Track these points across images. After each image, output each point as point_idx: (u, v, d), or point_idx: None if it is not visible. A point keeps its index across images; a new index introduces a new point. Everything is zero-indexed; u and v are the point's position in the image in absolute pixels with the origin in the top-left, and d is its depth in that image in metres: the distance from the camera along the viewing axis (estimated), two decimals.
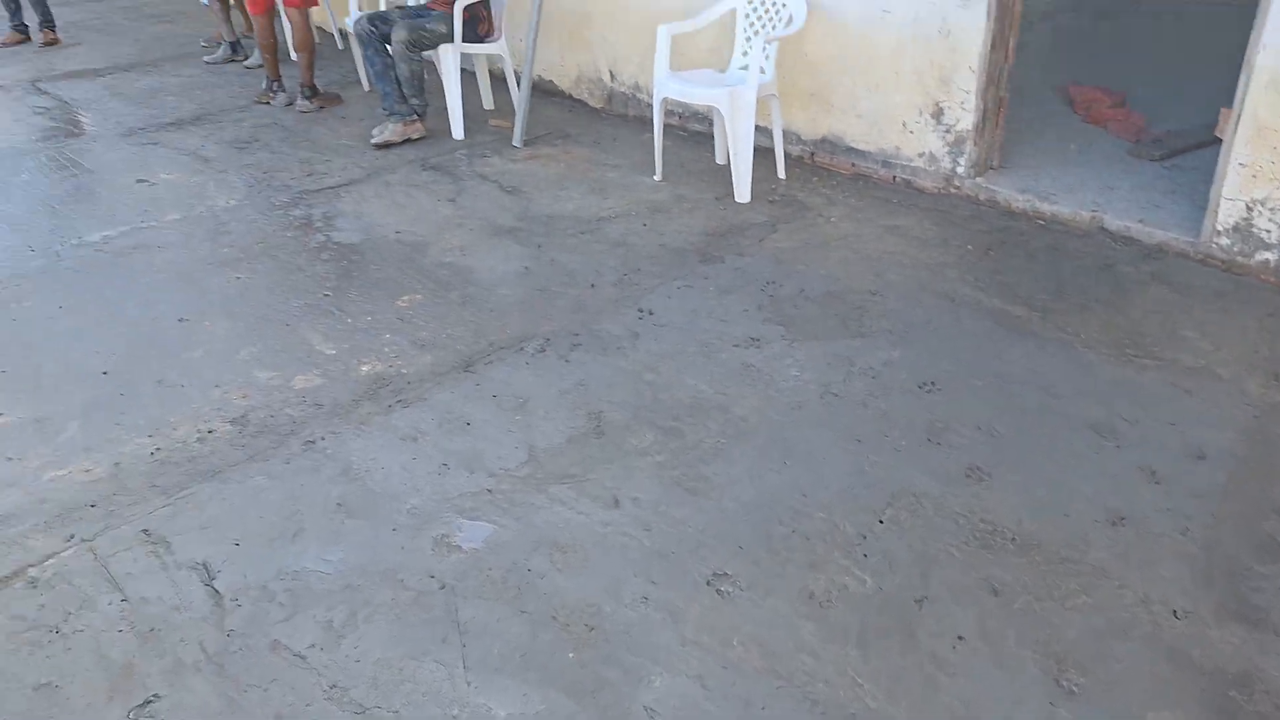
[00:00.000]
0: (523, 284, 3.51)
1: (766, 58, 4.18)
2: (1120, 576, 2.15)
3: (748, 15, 4.40)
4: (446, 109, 5.07)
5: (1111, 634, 2.00)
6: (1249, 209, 3.38)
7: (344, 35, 7.16)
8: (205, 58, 6.84)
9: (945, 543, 2.24)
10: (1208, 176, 3.54)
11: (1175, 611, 2.05)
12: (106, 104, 5.82)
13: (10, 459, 2.54)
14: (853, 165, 4.45)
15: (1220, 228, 3.46)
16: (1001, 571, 2.16)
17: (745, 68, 4.31)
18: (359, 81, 6.04)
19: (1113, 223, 3.74)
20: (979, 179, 4.09)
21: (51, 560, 2.18)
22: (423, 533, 2.28)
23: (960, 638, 1.99)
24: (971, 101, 3.92)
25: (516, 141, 4.97)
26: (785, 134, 4.48)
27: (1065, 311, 3.23)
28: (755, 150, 4.15)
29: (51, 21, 7.48)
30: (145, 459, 2.54)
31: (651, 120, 4.42)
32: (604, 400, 2.79)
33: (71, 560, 2.19)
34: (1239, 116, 3.32)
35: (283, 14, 5.67)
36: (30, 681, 1.89)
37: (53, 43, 7.41)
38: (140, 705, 1.84)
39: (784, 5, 4.25)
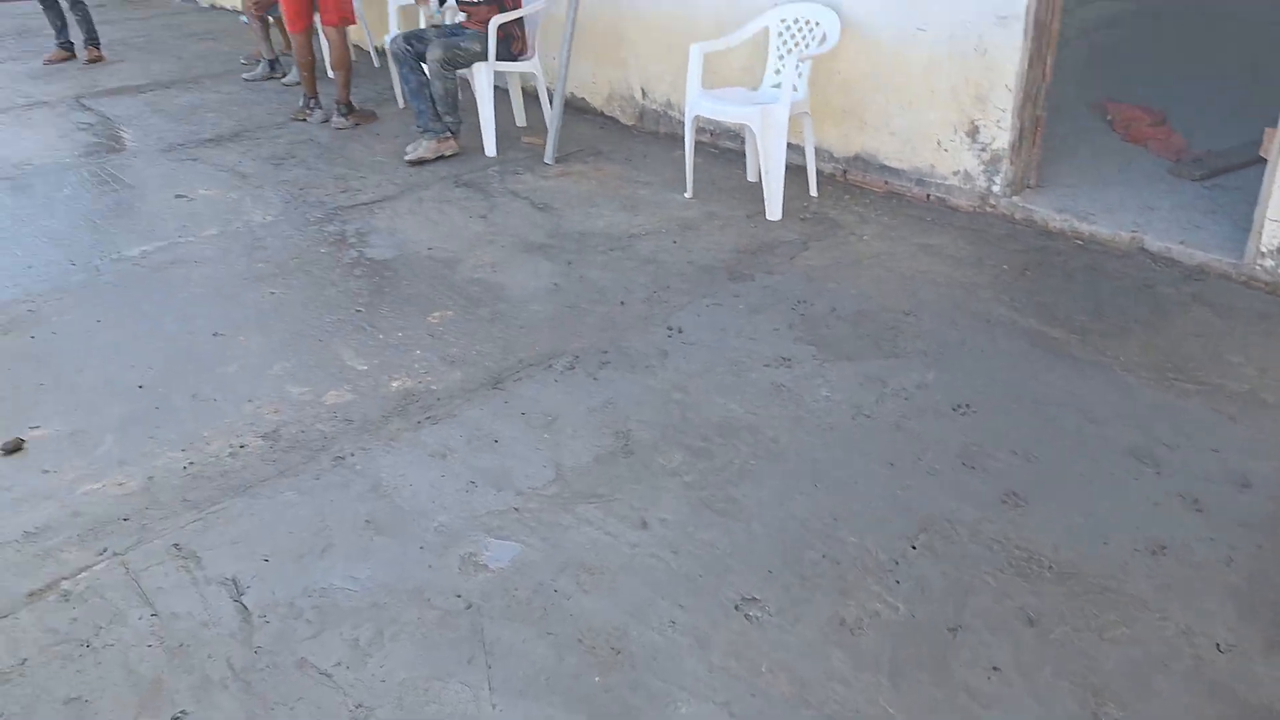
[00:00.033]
0: (552, 301, 3.51)
1: (799, 76, 4.16)
2: (1161, 607, 2.09)
3: (781, 34, 4.39)
4: (479, 126, 5.10)
5: (1152, 667, 1.94)
6: None
7: (380, 53, 7.25)
8: (244, 75, 6.95)
9: (980, 570, 2.20)
10: (1251, 197, 3.46)
11: (1219, 645, 1.99)
12: (148, 120, 5.93)
13: (47, 471, 2.58)
14: (886, 183, 4.42)
15: (1264, 249, 3.38)
16: (1038, 600, 2.11)
17: (778, 86, 4.30)
18: (394, 99, 6.10)
19: (1153, 243, 3.68)
20: (1015, 198, 4.04)
21: (84, 574, 2.20)
22: (450, 551, 2.27)
23: (995, 668, 1.94)
24: (1008, 120, 3.88)
25: (548, 158, 4.98)
26: (817, 151, 4.46)
27: (1104, 333, 3.17)
28: (787, 167, 4.14)
29: (96, 39, 7.64)
30: (178, 473, 2.56)
31: (683, 137, 4.42)
32: (632, 419, 2.78)
33: (104, 574, 2.20)
34: None
35: (321, 32, 5.75)
36: (60, 695, 1.90)
37: (97, 60, 7.57)
38: None
39: (818, 24, 4.24)
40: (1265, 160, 3.37)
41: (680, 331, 3.26)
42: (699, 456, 2.60)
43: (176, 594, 2.14)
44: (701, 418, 2.78)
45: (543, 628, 2.05)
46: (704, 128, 5.07)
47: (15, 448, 2.65)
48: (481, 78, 4.97)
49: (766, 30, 4.43)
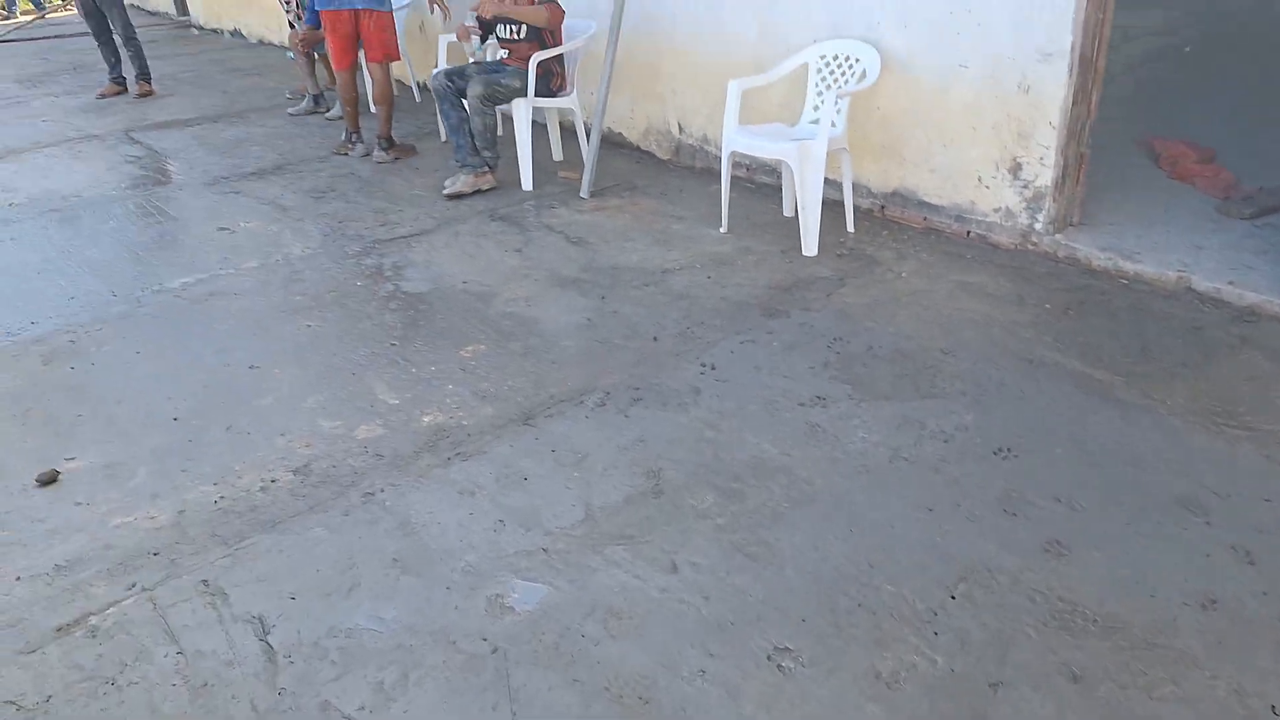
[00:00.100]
0: (585, 336, 3.49)
1: (838, 112, 4.14)
2: (1212, 665, 2.00)
3: (820, 71, 4.38)
4: (517, 160, 5.14)
5: None
6: None
7: (421, 88, 7.36)
8: (289, 109, 7.09)
9: (1022, 622, 2.12)
10: None
11: (1274, 707, 1.89)
12: (194, 153, 6.05)
13: (80, 504, 2.59)
14: (925, 219, 4.36)
15: None
16: (1082, 655, 2.03)
17: (816, 122, 4.28)
18: (434, 133, 6.18)
19: (1201, 283, 3.58)
20: (1058, 235, 3.97)
21: (112, 609, 2.20)
22: (477, 592, 2.24)
23: None
24: (1051, 157, 3.82)
25: (584, 193, 5.00)
26: (855, 187, 4.42)
27: (1150, 376, 3.08)
28: (824, 203, 4.11)
29: (148, 74, 7.84)
30: (209, 507, 2.57)
31: (718, 171, 4.41)
32: (663, 458, 2.74)
33: (132, 609, 2.20)
34: None
35: (365, 68, 5.85)
36: None
37: (147, 94, 7.77)
38: None
39: (857, 60, 4.23)
40: None
41: (713, 368, 3.23)
42: (731, 498, 2.55)
43: (203, 631, 2.13)
44: (734, 457, 2.73)
45: (569, 674, 2.00)
46: (740, 162, 5.06)
47: (50, 479, 2.68)
48: (520, 113, 5.02)
49: (805, 66, 4.43)
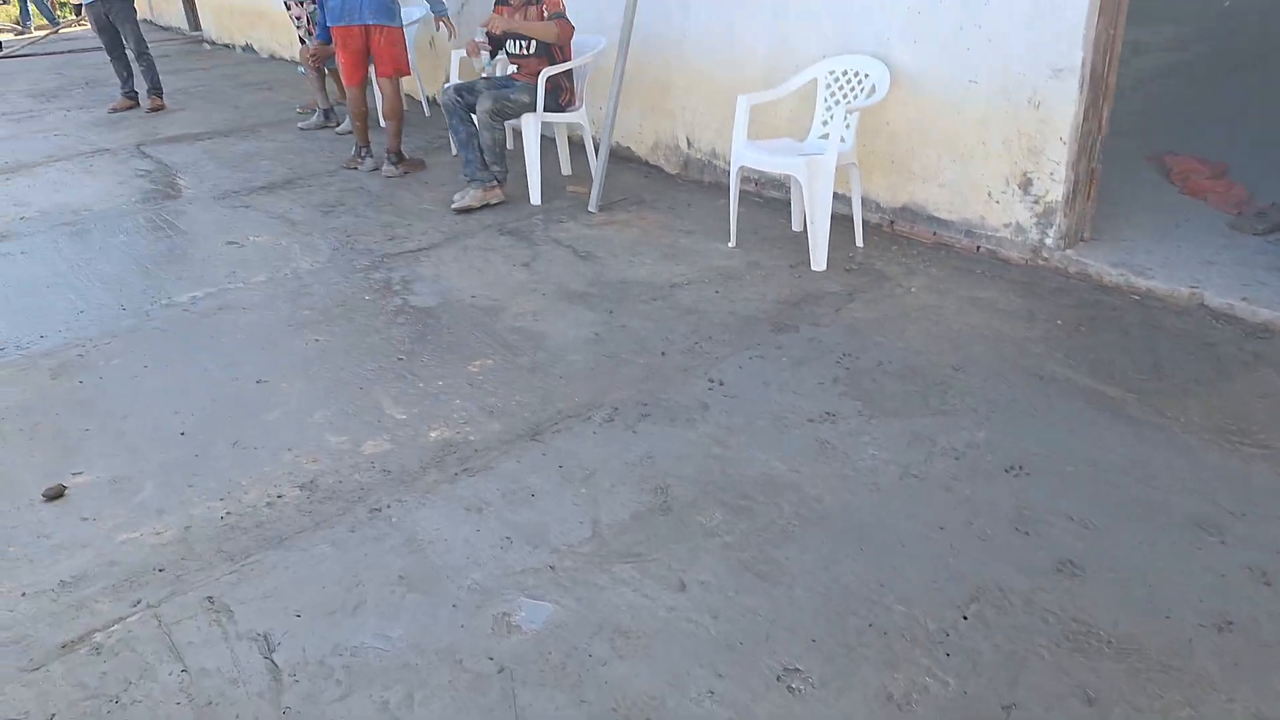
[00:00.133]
0: (593, 350, 3.48)
1: (847, 127, 4.14)
2: (1228, 688, 1.97)
3: (829, 86, 4.37)
4: (526, 175, 5.14)
5: None
6: None
7: (431, 103, 7.39)
8: (300, 124, 7.12)
9: (1035, 643, 2.09)
10: None
11: None
12: (204, 167, 6.07)
13: (86, 519, 2.58)
14: (934, 234, 4.35)
15: None
16: (1096, 678, 2.00)
17: (825, 137, 4.27)
18: (443, 148, 6.19)
19: (1213, 299, 3.56)
20: (1069, 251, 3.95)
21: (117, 626, 2.19)
22: (483, 610, 2.22)
23: None
24: (1062, 173, 3.80)
25: (592, 207, 5.00)
26: (864, 201, 4.41)
27: (1163, 393, 3.05)
28: (832, 217, 4.09)
29: (159, 88, 7.89)
30: (215, 523, 2.55)
31: (727, 186, 4.41)
32: (671, 474, 2.72)
33: (136, 626, 2.19)
34: None
35: (375, 83, 5.87)
36: None
37: (159, 108, 7.81)
38: None
39: (866, 76, 4.22)
40: None
41: (721, 384, 3.21)
42: (740, 515, 2.53)
43: (207, 649, 2.11)
44: (743, 474, 2.71)
45: (576, 695, 1.98)
46: (749, 177, 5.06)
47: (57, 494, 2.67)
48: (529, 128, 5.02)
49: (814, 82, 4.42)
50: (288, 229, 4.86)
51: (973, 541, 2.41)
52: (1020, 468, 2.70)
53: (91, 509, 2.62)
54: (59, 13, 16.29)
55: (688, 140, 5.46)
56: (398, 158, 5.74)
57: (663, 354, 3.44)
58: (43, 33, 13.89)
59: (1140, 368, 3.21)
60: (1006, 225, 4.07)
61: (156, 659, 2.09)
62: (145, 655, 2.10)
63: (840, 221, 4.30)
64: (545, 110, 5.00)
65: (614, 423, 2.99)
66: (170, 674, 2.05)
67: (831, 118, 4.28)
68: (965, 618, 2.17)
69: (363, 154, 5.89)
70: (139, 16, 7.84)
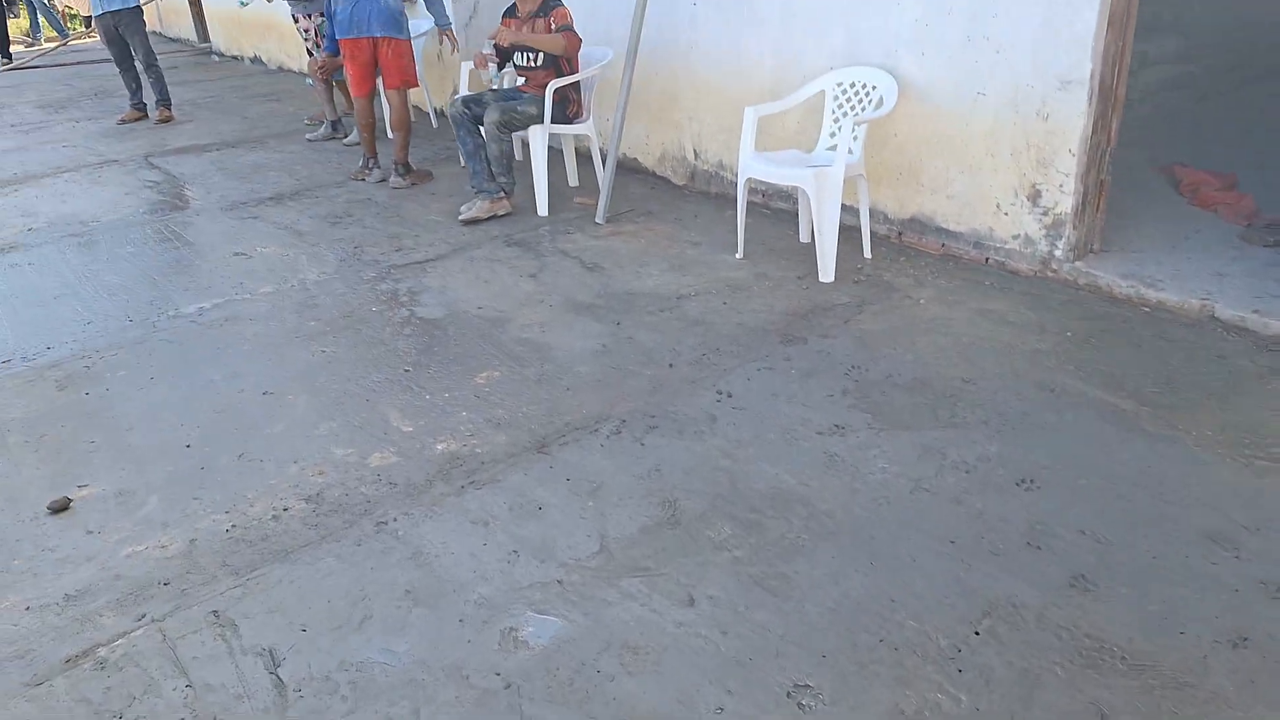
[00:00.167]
0: (600, 362, 3.47)
1: (855, 139, 4.12)
2: (1244, 706, 1.94)
3: (837, 98, 4.37)
4: (533, 186, 5.14)
5: None
6: None
7: (439, 114, 7.41)
8: (307, 135, 7.14)
9: (1048, 660, 2.07)
10: None
11: None
12: (212, 178, 6.09)
13: (91, 532, 2.57)
14: (942, 246, 4.33)
15: None
16: (1110, 695, 1.97)
17: (833, 148, 4.26)
18: (450, 159, 6.20)
19: (1224, 312, 3.53)
20: (1078, 263, 3.92)
21: (121, 640, 2.17)
22: (490, 625, 2.20)
23: None
24: (1071, 184, 3.79)
25: (599, 218, 4.99)
26: (872, 213, 4.40)
27: (1175, 406, 3.02)
28: (840, 229, 4.08)
29: (168, 99, 7.92)
30: (220, 536, 2.54)
31: (734, 197, 4.40)
32: (680, 487, 2.70)
33: (141, 641, 2.17)
34: None
35: (383, 95, 5.88)
36: None
37: (167, 120, 7.84)
38: None
39: (874, 88, 4.21)
40: None
41: (730, 396, 3.19)
42: (749, 529, 2.51)
43: (212, 664, 2.10)
44: (751, 488, 2.69)
45: (584, 712, 1.96)
46: (756, 188, 5.05)
47: (62, 507, 2.66)
48: (537, 140, 5.02)
49: (822, 93, 4.42)
50: (295, 240, 4.86)
51: (984, 556, 2.39)
52: (1032, 481, 2.68)
53: (97, 522, 2.61)
54: (69, 25, 16.40)
55: (695, 151, 5.45)
56: (405, 169, 5.74)
57: (670, 366, 3.42)
58: (52, 44, 13.98)
59: (1152, 380, 3.18)
60: (1015, 237, 4.05)
61: (161, 674, 2.07)
62: (150, 670, 2.09)
63: (848, 232, 4.29)
64: (553, 122, 5.00)
65: (621, 435, 2.98)
66: (175, 689, 2.03)
67: (839, 129, 4.27)
68: (977, 633, 2.14)
69: (370, 165, 5.90)
70: (148, 28, 7.89)
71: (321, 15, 6.52)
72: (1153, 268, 3.87)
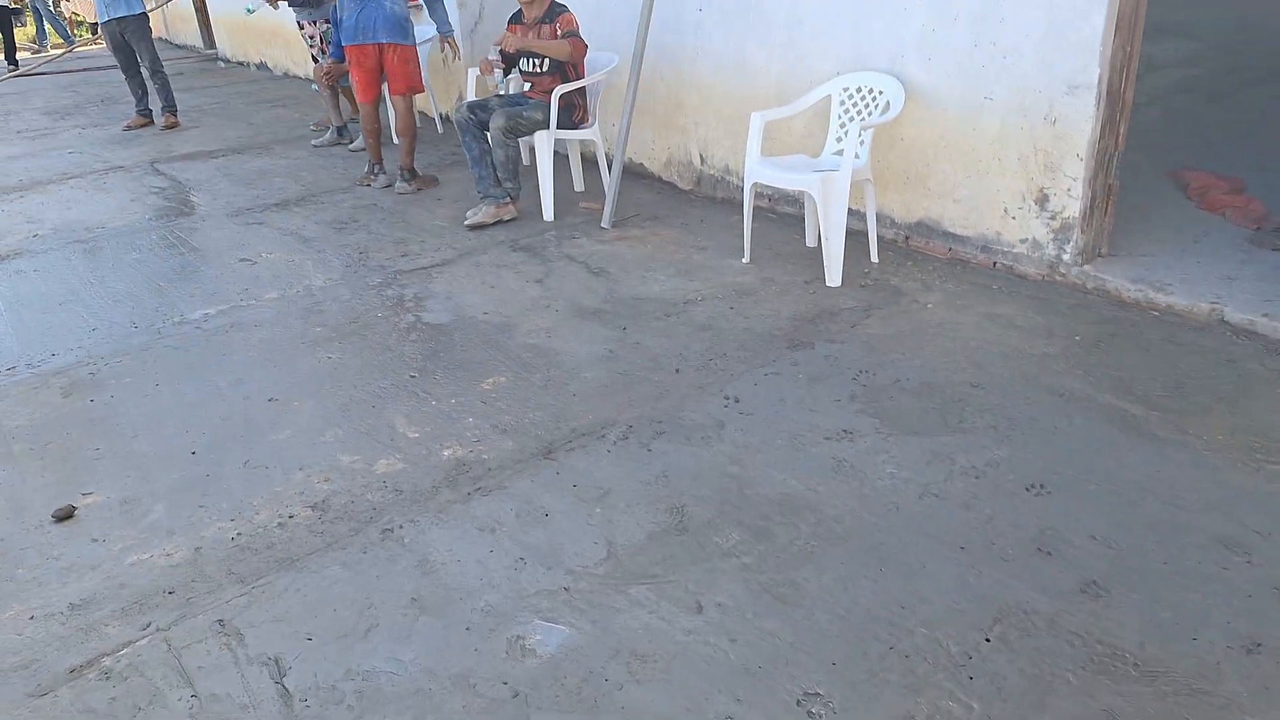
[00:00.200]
0: (606, 368, 3.45)
1: (861, 144, 4.11)
2: (1259, 712, 1.92)
3: (843, 103, 4.36)
4: (539, 191, 5.13)
5: None
6: None
7: (444, 120, 7.41)
8: (313, 141, 7.14)
9: (1060, 666, 2.05)
10: None
11: None
12: (217, 184, 6.09)
13: (95, 540, 2.56)
14: (949, 250, 4.31)
15: None
16: (1123, 702, 1.95)
17: (839, 153, 4.25)
18: (456, 164, 6.19)
19: (1234, 315, 3.51)
20: (1086, 267, 3.91)
21: (126, 650, 2.16)
22: (497, 634, 2.18)
23: None
24: (1079, 189, 3.77)
25: (605, 223, 4.98)
26: (879, 217, 4.38)
27: (1185, 411, 3.00)
28: (847, 233, 4.06)
29: (174, 106, 7.94)
30: (226, 544, 2.53)
31: (740, 202, 4.39)
32: (687, 494, 2.69)
33: (146, 650, 2.16)
34: None
35: (388, 100, 5.89)
36: None
37: (173, 126, 7.85)
38: None
39: (881, 93, 4.20)
40: None
41: (737, 401, 3.18)
42: (757, 536, 2.49)
43: (218, 674, 2.08)
44: (760, 494, 2.67)
45: None
46: (762, 192, 5.04)
47: (67, 515, 2.65)
48: (543, 145, 5.02)
49: (828, 98, 4.41)
50: (301, 246, 4.86)
51: (995, 562, 2.37)
52: (1041, 486, 2.66)
53: (101, 530, 2.60)
54: (75, 32, 16.46)
55: (701, 156, 5.44)
56: (411, 174, 5.74)
57: (677, 371, 3.41)
58: (58, 51, 14.02)
59: (1161, 385, 3.16)
60: (1023, 241, 4.03)
61: (166, 684, 2.06)
62: (155, 680, 2.07)
63: (855, 237, 4.27)
64: (558, 127, 4.99)
65: (628, 441, 2.96)
66: (180, 699, 2.02)
67: (846, 134, 4.26)
68: (988, 640, 2.12)
69: (376, 171, 5.90)
70: (154, 35, 7.90)
71: (327, 21, 6.54)
72: (1161, 271, 3.85)
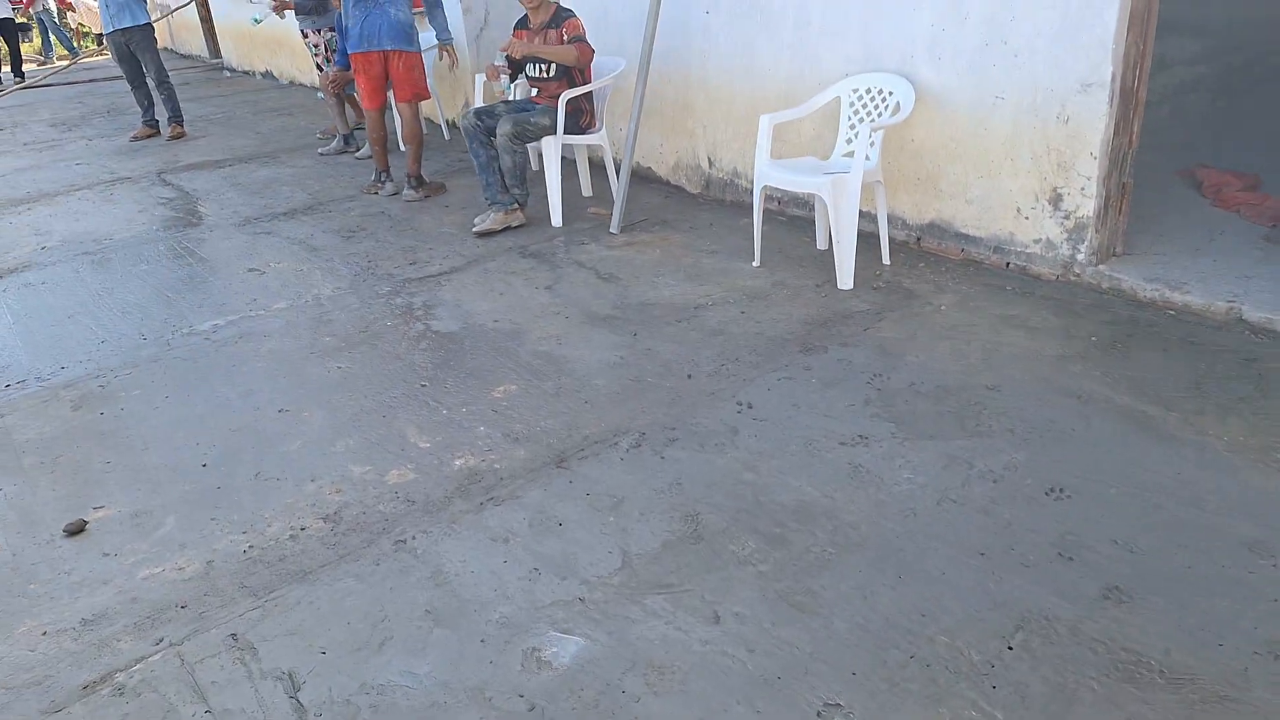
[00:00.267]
0: (617, 374, 3.43)
1: (872, 145, 4.08)
2: None
3: (853, 104, 4.33)
4: (546, 197, 5.11)
5: None
6: None
7: (451, 127, 7.40)
8: (320, 149, 7.14)
9: (1084, 674, 2.01)
10: None
11: None
12: (225, 194, 6.09)
13: (107, 554, 2.54)
14: (962, 251, 4.28)
15: None
16: (1149, 710, 1.92)
17: (849, 155, 4.22)
18: (463, 171, 6.18)
19: (1252, 314, 3.46)
20: (1101, 266, 3.87)
21: (139, 665, 2.14)
22: (512, 645, 2.16)
23: None
24: (1093, 188, 3.73)
25: (614, 228, 4.96)
26: (890, 218, 4.35)
27: (1205, 412, 2.96)
28: (858, 235, 4.03)
29: (180, 116, 7.95)
30: (238, 557, 2.51)
31: (749, 205, 4.36)
32: (702, 501, 2.66)
33: (159, 666, 2.14)
34: None
35: (394, 108, 5.88)
36: None
37: (180, 136, 7.86)
38: None
39: (891, 94, 4.17)
40: None
41: (750, 407, 3.15)
42: (773, 544, 2.46)
43: (231, 689, 2.06)
44: (775, 501, 2.64)
45: None
46: (772, 195, 5.01)
47: (78, 529, 2.63)
48: (550, 151, 5.00)
49: (838, 100, 4.38)
50: (309, 255, 4.85)
51: (1015, 568, 2.33)
52: (1061, 490, 2.62)
53: (113, 544, 2.59)
54: (81, 43, 16.53)
55: (709, 160, 5.42)
56: (418, 182, 5.73)
57: (689, 377, 3.38)
58: (64, 63, 14.08)
59: (1180, 385, 3.12)
60: (1037, 241, 3.99)
61: (180, 699, 2.04)
62: (168, 696, 2.05)
63: (866, 239, 4.24)
64: (566, 133, 4.98)
65: (641, 449, 2.94)
66: (194, 715, 2.00)
67: (855, 136, 4.23)
68: (1010, 648, 2.09)
69: (383, 178, 5.89)
70: (159, 45, 7.91)
71: (331, 30, 6.54)
72: (1177, 270, 3.81)
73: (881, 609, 2.22)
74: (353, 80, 5.84)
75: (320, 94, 7.41)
